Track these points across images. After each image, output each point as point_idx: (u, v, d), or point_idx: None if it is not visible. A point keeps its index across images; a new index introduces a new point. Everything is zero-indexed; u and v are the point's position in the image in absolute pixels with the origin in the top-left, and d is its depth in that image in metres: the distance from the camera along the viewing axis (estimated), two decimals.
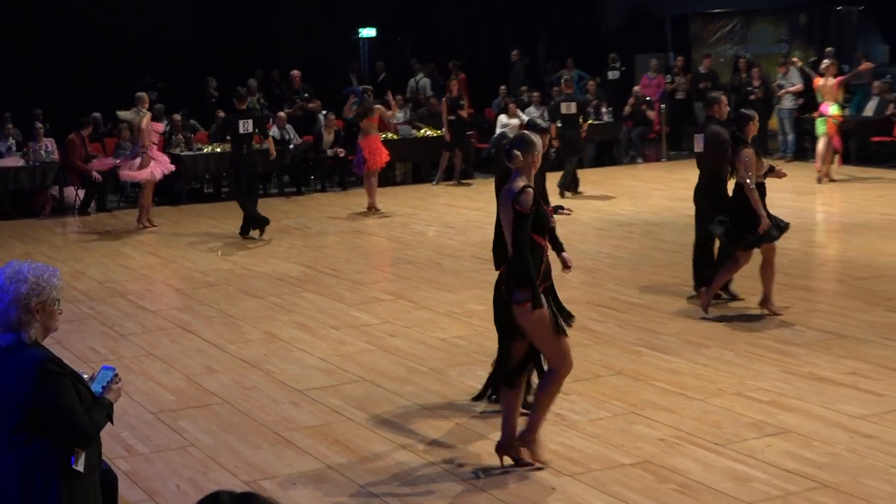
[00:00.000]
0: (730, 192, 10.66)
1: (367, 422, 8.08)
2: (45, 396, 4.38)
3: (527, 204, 6.76)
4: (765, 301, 10.56)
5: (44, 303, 4.48)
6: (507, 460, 7.12)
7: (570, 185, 18.47)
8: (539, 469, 7.04)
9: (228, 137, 15.91)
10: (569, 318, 7.25)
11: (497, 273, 7.24)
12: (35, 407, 4.39)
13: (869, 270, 12.19)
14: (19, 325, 4.45)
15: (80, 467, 4.49)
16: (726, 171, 10.62)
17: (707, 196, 11.01)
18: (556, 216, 7.57)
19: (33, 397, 4.38)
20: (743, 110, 10.83)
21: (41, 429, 4.40)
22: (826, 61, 18.78)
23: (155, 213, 17.62)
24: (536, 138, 7.11)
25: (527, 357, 7.13)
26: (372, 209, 17.36)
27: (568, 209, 8.07)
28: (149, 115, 16.35)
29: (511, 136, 20.95)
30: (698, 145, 11.26)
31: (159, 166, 16.46)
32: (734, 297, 11.10)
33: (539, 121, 8.44)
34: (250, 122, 15.43)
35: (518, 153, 6.91)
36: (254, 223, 15.57)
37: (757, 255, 10.44)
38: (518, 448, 7.10)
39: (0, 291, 4.46)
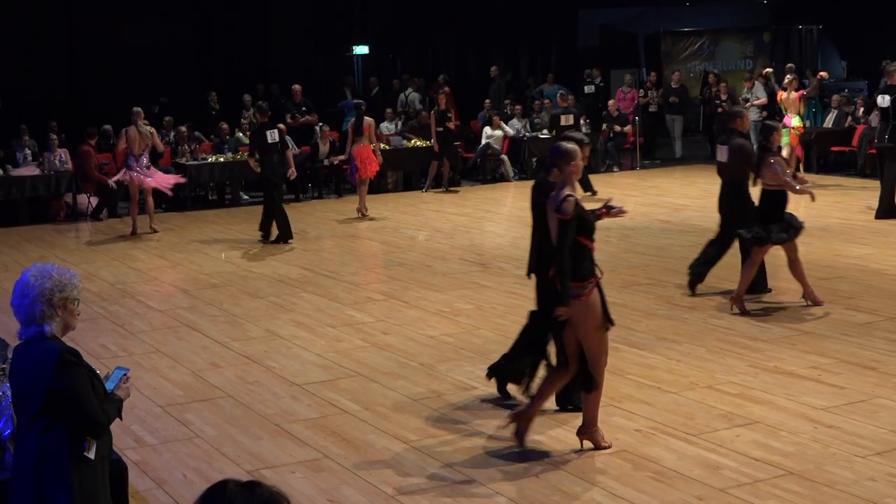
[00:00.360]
0: (753, 199, 10.85)
1: (362, 414, 8.04)
2: (62, 383, 4.41)
3: (567, 211, 6.85)
4: (806, 294, 10.67)
5: (65, 300, 4.53)
6: (588, 444, 7.18)
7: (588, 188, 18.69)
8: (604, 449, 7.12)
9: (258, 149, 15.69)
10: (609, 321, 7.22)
11: (527, 277, 7.75)
12: (52, 394, 4.41)
13: (829, 271, 12.20)
14: (42, 318, 4.49)
15: (91, 455, 4.50)
16: (748, 179, 10.83)
17: (730, 203, 11.16)
18: (607, 212, 7.46)
19: (51, 385, 4.40)
20: (767, 122, 11.08)
21: (58, 416, 4.42)
22: (788, 76, 18.77)
23: (161, 219, 17.58)
24: (573, 147, 7.17)
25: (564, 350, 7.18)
26: (360, 213, 17.35)
27: (620, 208, 7.67)
28: (132, 127, 16.19)
29: (495, 146, 21.31)
30: (721, 155, 11.34)
31: (149, 179, 16.36)
32: (767, 290, 11.20)
33: (578, 134, 8.27)
34: (276, 132, 15.38)
35: (556, 169, 7.11)
36: (269, 228, 15.53)
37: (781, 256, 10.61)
38: (595, 432, 7.16)
39: (26, 287, 4.53)
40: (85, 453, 4.47)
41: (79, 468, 4.45)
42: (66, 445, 4.43)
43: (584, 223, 6.95)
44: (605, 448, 7.12)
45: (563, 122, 18.69)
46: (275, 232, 15.48)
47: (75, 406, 4.42)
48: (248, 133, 20.43)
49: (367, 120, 17.49)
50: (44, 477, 4.41)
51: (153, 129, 16.56)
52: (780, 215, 10.44)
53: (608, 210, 7.49)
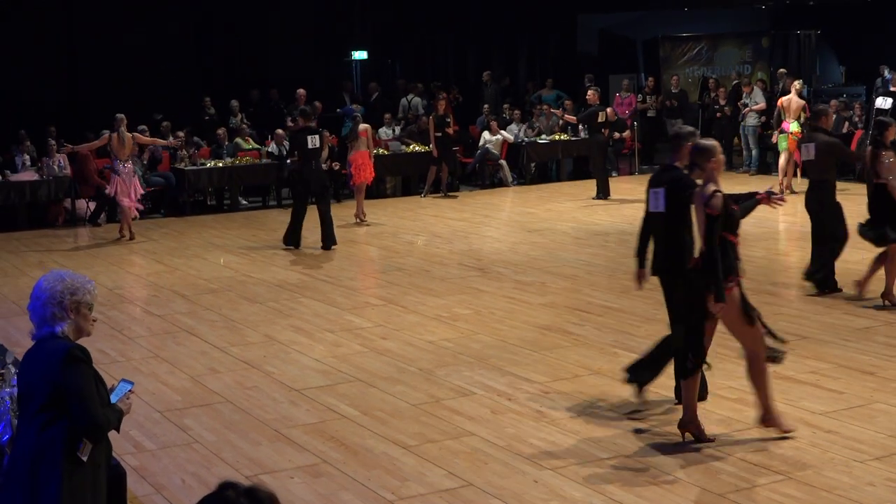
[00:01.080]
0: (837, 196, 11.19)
1: (360, 419, 8.04)
2: (68, 378, 4.48)
3: (717, 207, 6.93)
4: (886, 293, 10.69)
5: (77, 303, 4.61)
6: (688, 436, 7.24)
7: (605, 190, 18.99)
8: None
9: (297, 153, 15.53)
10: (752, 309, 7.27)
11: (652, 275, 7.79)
12: (58, 388, 4.48)
13: None
14: (53, 320, 4.59)
15: (83, 456, 4.53)
16: (834, 176, 11.17)
17: (818, 200, 11.26)
18: (767, 198, 7.45)
19: (58, 378, 4.48)
20: (881, 118, 11.19)
21: (60, 412, 4.49)
22: (797, 84, 18.89)
23: (160, 224, 17.57)
24: (712, 143, 7.29)
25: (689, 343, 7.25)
26: (358, 219, 17.38)
27: (781, 196, 7.66)
28: (112, 134, 16.17)
29: (494, 151, 21.34)
30: (808, 154, 11.38)
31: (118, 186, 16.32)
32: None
33: (686, 127, 8.18)
34: (317, 137, 15.29)
35: (698, 168, 7.18)
36: (294, 235, 15.42)
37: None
38: (697, 425, 7.20)
39: (40, 291, 4.63)
40: (78, 454, 4.51)
41: (70, 469, 4.49)
42: (61, 445, 4.47)
43: (729, 219, 7.05)
44: (709, 441, 7.19)
45: (599, 119, 18.92)
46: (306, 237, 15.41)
47: (78, 402, 4.47)
48: (245, 138, 20.50)
49: (363, 126, 17.52)
50: (37, 473, 4.46)
51: (141, 135, 16.63)
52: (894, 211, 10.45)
53: (769, 196, 7.49)
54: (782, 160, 18.54)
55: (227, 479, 3.17)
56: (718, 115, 22.00)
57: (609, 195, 18.92)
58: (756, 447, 7.14)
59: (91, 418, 4.49)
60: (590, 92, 19.87)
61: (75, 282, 4.63)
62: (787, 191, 18.18)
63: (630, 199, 18.88)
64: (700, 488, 6.53)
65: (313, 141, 15.19)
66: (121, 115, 16.31)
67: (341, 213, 18.58)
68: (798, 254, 13.55)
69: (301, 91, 21.61)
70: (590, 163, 20.20)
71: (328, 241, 15.21)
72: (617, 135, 20.15)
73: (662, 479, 6.68)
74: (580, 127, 20.59)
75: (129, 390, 4.81)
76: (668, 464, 6.92)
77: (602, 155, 19.34)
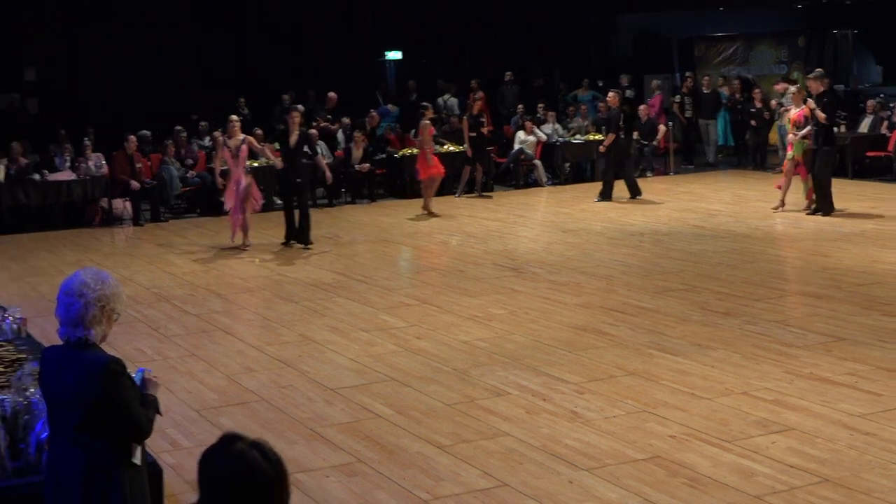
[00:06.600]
0: None
1: (395, 418, 8.04)
2: (111, 394, 4.37)
3: None
4: None
5: (112, 311, 4.50)
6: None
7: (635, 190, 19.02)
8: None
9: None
10: None
11: None
12: (99, 404, 4.37)
13: (866, 277, 12.09)
14: (91, 323, 4.43)
15: (137, 461, 4.52)
16: None
17: None
18: None
19: (99, 397, 4.36)
20: None
21: (104, 425, 4.40)
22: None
23: (196, 224, 17.67)
24: None
25: None
26: (426, 211, 18.09)
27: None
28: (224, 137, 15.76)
29: (528, 151, 21.34)
30: None
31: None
32: None
33: None
34: (296, 135, 15.36)
35: None
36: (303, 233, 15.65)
37: None
38: None
39: (84, 288, 4.43)
40: (132, 459, 4.50)
41: (129, 473, 4.47)
42: (114, 452, 4.43)
43: None
44: None
45: (621, 122, 19.03)
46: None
47: (124, 416, 4.41)
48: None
49: (422, 123, 18.19)
50: (93, 483, 4.39)
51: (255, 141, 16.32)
52: None
53: None
54: (790, 166, 16.96)
55: (230, 431, 3.23)
56: (753, 122, 21.85)
57: (610, 198, 18.81)
58: (793, 449, 7.08)
59: (139, 427, 4.47)
60: (610, 94, 19.80)
61: (117, 289, 4.50)
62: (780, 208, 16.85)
63: (666, 200, 18.81)
64: (736, 490, 6.48)
65: (292, 139, 15.37)
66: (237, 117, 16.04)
67: (376, 213, 18.63)
68: (835, 254, 13.45)
69: (332, 94, 21.69)
70: (601, 165, 20.18)
71: (304, 238, 15.46)
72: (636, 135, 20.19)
73: (698, 481, 6.64)
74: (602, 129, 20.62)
75: (145, 372, 4.71)
76: (704, 465, 6.87)
77: (624, 157, 19.20)
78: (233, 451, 3.15)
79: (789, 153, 16.90)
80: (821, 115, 16.12)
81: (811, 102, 16.41)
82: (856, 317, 10.42)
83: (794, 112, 16.86)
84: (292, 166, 15.35)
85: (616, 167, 19.10)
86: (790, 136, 16.91)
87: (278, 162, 15.56)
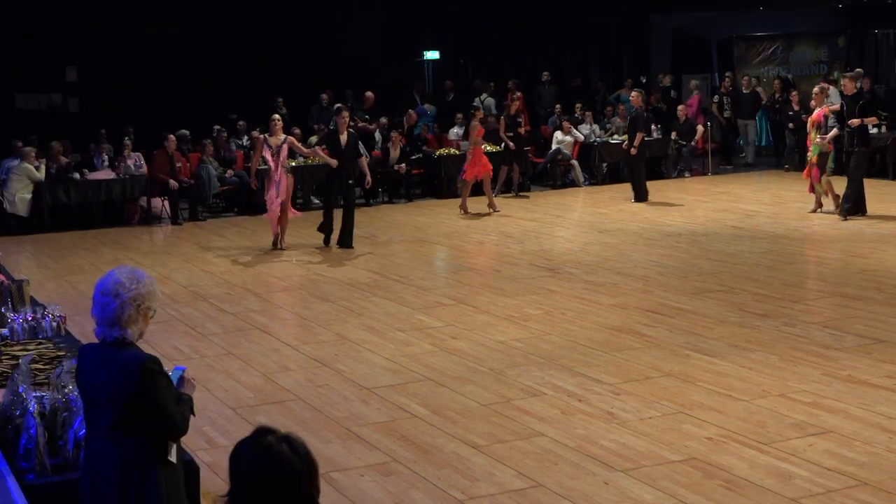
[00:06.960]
0: None
1: (431, 418, 8.05)
2: (147, 393, 4.38)
3: None
4: None
5: (148, 309, 4.50)
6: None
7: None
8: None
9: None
10: None
11: None
12: (136, 402, 4.39)
13: None
14: (128, 322, 4.44)
15: (173, 458, 4.55)
16: None
17: None
18: None
19: (136, 395, 4.38)
20: None
21: (140, 423, 4.42)
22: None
23: (234, 223, 17.75)
24: None
25: None
26: (491, 209, 18.34)
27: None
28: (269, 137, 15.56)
29: (566, 151, 21.32)
30: None
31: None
32: None
33: None
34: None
35: None
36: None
37: None
38: None
39: (120, 287, 4.44)
40: (168, 457, 4.52)
41: (164, 471, 4.49)
42: (150, 449, 4.45)
43: None
44: None
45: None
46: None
47: (160, 415, 4.42)
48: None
49: (472, 123, 18.32)
50: (129, 481, 4.42)
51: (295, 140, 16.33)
52: None
53: None
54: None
55: (263, 425, 3.25)
56: (791, 124, 21.64)
57: (646, 199, 18.80)
58: (830, 452, 7.03)
59: (175, 426, 4.48)
60: (633, 94, 19.73)
61: (152, 287, 4.51)
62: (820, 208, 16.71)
63: (703, 201, 18.72)
64: (773, 493, 6.44)
65: (343, 139, 15.40)
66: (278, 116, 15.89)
67: (413, 212, 18.66)
68: (874, 255, 13.34)
69: (369, 94, 21.76)
70: (626, 166, 20.16)
71: (346, 241, 15.48)
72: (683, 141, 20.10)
73: (734, 483, 6.61)
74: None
75: (184, 372, 4.72)
76: (740, 467, 6.84)
77: (640, 159, 19.15)
78: (262, 444, 3.18)
79: (815, 151, 16.65)
80: (855, 121, 15.99)
81: (826, 107, 16.38)
82: (894, 318, 10.32)
83: (816, 112, 16.69)
84: (343, 167, 15.33)
85: (634, 166, 19.07)
86: (817, 140, 16.47)
87: (333, 161, 15.32)
